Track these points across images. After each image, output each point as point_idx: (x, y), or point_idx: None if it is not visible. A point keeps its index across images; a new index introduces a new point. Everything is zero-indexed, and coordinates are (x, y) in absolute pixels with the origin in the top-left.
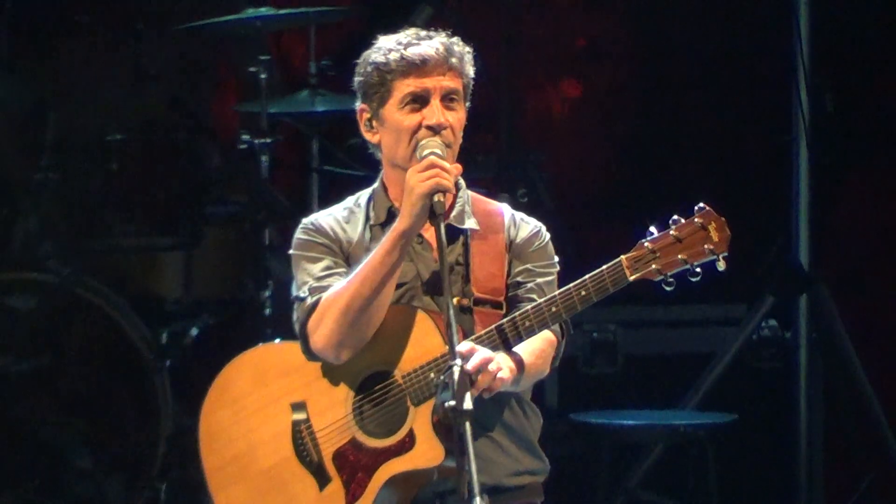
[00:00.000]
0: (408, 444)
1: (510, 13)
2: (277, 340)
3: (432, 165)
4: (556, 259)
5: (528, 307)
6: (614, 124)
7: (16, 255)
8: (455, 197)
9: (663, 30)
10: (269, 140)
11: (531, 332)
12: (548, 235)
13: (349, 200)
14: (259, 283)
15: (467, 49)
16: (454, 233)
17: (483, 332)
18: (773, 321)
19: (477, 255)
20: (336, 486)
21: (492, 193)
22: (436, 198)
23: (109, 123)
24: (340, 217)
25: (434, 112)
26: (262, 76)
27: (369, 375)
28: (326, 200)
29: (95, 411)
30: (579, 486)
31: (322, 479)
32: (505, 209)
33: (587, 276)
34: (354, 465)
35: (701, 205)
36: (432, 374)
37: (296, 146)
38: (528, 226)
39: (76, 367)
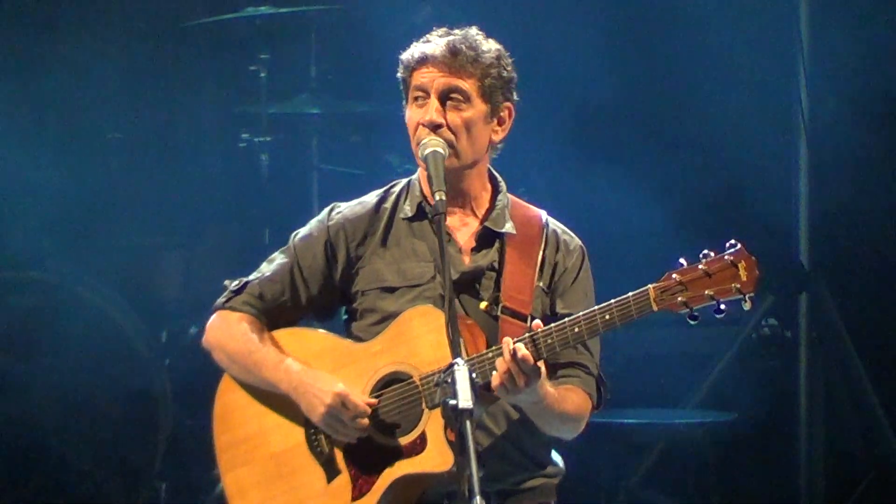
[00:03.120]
0: (419, 446)
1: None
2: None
3: (341, 423)
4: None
5: (552, 325)
6: (614, 124)
7: (16, 254)
8: (494, 199)
9: (663, 30)
10: (269, 139)
11: (552, 350)
12: (586, 258)
13: (380, 189)
14: None
15: (489, 49)
16: (491, 236)
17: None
18: (773, 320)
19: (510, 263)
20: (344, 479)
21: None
22: (437, 196)
23: (109, 123)
24: (369, 205)
25: (428, 110)
26: (262, 76)
27: (389, 373)
28: (326, 200)
29: (95, 411)
30: (579, 486)
31: (331, 472)
32: (544, 217)
33: (613, 301)
34: (364, 461)
35: (733, 241)
36: (450, 380)
37: (296, 146)
38: (571, 253)
39: (76, 367)
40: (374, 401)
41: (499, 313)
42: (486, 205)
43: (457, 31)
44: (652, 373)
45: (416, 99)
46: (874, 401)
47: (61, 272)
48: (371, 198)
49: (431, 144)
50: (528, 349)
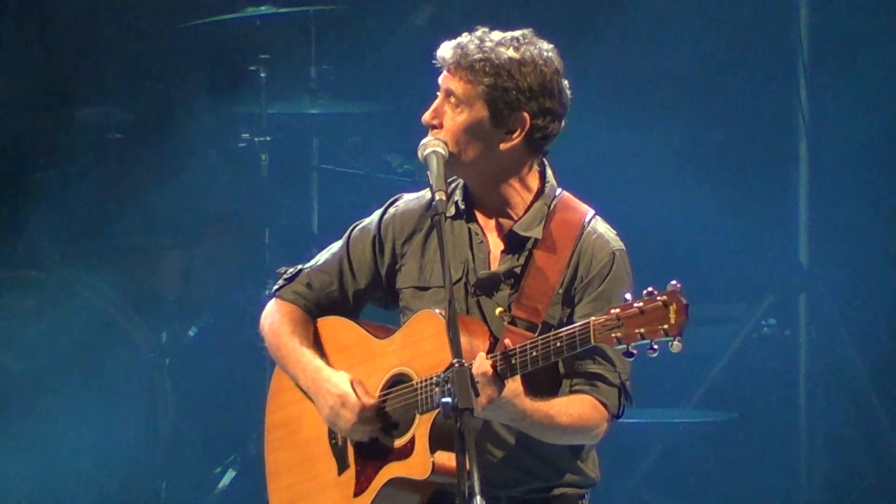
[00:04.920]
0: (408, 449)
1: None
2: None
3: (340, 418)
4: (627, 280)
5: (516, 347)
6: (614, 125)
7: (16, 253)
8: (532, 202)
9: (663, 30)
10: (269, 139)
11: (527, 366)
12: (620, 260)
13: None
14: (259, 283)
15: (504, 52)
16: (519, 240)
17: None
18: (772, 320)
19: (534, 268)
20: (350, 474)
21: None
22: (437, 196)
23: (109, 123)
24: (424, 202)
25: (428, 111)
26: (262, 75)
27: (396, 373)
28: (327, 200)
29: (95, 411)
30: None
31: (342, 465)
32: (586, 220)
33: (563, 329)
34: (368, 458)
35: (674, 282)
36: (437, 388)
37: (296, 146)
38: (598, 261)
39: (76, 367)
40: (373, 402)
41: (506, 322)
42: (522, 209)
43: (486, 31)
44: (652, 373)
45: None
46: (874, 401)
47: (61, 272)
48: (425, 193)
49: (431, 144)
50: (501, 364)
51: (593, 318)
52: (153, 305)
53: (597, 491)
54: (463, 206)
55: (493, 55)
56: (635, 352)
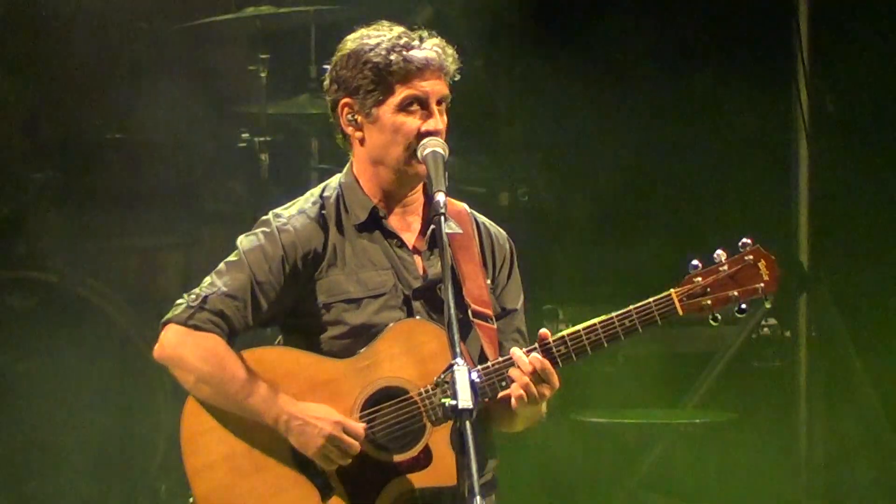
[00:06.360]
0: (423, 461)
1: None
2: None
3: (342, 451)
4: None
5: (564, 334)
6: (613, 126)
7: (16, 254)
8: (429, 197)
9: (663, 30)
10: (269, 139)
11: (566, 358)
12: (514, 248)
13: (311, 196)
14: None
15: (453, 51)
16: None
17: (525, 348)
18: (773, 320)
19: (462, 264)
20: (340, 499)
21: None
22: (437, 197)
23: (109, 123)
24: (313, 216)
25: (436, 118)
26: (262, 75)
27: (380, 389)
28: None
29: (95, 411)
30: (579, 486)
31: (325, 491)
32: (468, 209)
33: (632, 307)
34: (359, 477)
35: (747, 240)
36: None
37: (296, 146)
38: (503, 247)
39: (76, 367)
40: (363, 425)
41: (472, 318)
42: (422, 203)
43: (420, 32)
44: (652, 373)
45: (409, 104)
46: (874, 401)
47: (61, 272)
48: (308, 206)
49: (431, 144)
50: (561, 351)
51: (673, 289)
52: (153, 305)
53: (597, 491)
54: (366, 215)
55: (453, 55)
56: (720, 316)
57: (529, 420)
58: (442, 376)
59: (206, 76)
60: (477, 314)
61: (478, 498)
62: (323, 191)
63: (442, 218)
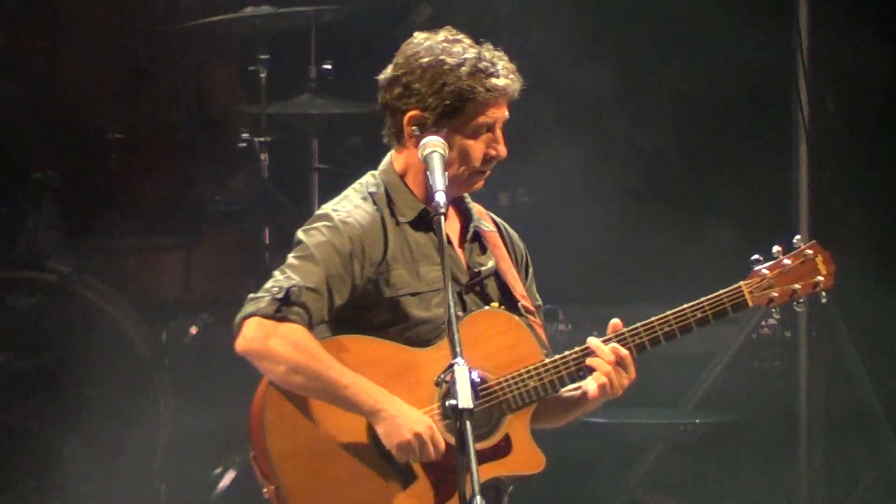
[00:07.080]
0: (503, 449)
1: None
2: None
3: (424, 449)
4: None
5: (638, 325)
6: (613, 126)
7: (16, 253)
8: (462, 198)
9: (663, 30)
10: (269, 139)
11: (641, 349)
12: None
13: (358, 192)
14: (259, 283)
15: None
16: (475, 235)
17: (604, 338)
18: (773, 320)
19: (500, 260)
20: (423, 485)
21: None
22: (437, 197)
23: (109, 123)
24: (370, 211)
25: (502, 146)
26: (262, 75)
27: None
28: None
29: (95, 411)
30: (579, 486)
31: (408, 477)
32: (482, 209)
33: (704, 299)
34: (443, 465)
35: (799, 237)
36: (532, 383)
37: (296, 146)
38: (519, 244)
39: (76, 367)
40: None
41: (523, 313)
42: (457, 204)
43: (497, 53)
44: (652, 373)
45: (479, 130)
46: (874, 401)
47: (61, 272)
48: (360, 201)
49: (430, 144)
50: (636, 342)
51: (743, 281)
52: (153, 305)
53: (597, 491)
54: (415, 216)
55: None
56: (778, 310)
57: (582, 415)
58: (442, 376)
59: (206, 76)
60: (525, 309)
61: (478, 498)
62: (367, 187)
63: (441, 218)
